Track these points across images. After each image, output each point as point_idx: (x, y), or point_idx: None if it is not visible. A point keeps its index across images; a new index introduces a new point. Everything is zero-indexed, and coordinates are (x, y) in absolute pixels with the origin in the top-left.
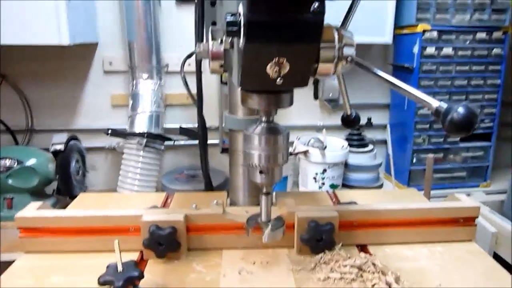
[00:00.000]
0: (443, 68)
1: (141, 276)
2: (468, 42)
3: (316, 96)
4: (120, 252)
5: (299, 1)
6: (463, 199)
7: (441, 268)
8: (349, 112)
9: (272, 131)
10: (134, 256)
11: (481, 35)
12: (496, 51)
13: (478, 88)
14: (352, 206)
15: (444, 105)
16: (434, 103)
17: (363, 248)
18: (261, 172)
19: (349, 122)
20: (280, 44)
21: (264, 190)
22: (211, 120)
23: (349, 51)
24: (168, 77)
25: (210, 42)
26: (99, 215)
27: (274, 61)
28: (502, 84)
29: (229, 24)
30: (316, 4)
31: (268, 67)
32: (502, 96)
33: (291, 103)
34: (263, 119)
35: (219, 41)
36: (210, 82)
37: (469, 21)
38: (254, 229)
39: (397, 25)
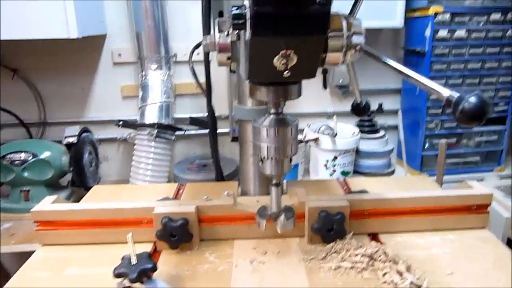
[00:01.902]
0: (456, 51)
1: (154, 268)
2: (481, 24)
3: (325, 86)
4: (133, 245)
5: None
6: (475, 186)
7: (453, 257)
8: (358, 100)
9: (281, 122)
10: (148, 247)
11: (495, 16)
12: (510, 32)
13: (492, 71)
14: (362, 195)
15: (456, 94)
16: (445, 92)
17: (374, 236)
18: (269, 163)
19: (359, 111)
20: (287, 37)
21: (274, 181)
22: (221, 109)
23: (358, 40)
24: (177, 66)
25: (217, 34)
26: (112, 208)
27: (281, 53)
28: None
29: (235, 17)
30: None
31: (275, 59)
32: None
33: (299, 95)
34: (272, 110)
35: (226, 33)
36: (219, 70)
37: (483, 2)
38: (266, 220)
39: (408, 8)
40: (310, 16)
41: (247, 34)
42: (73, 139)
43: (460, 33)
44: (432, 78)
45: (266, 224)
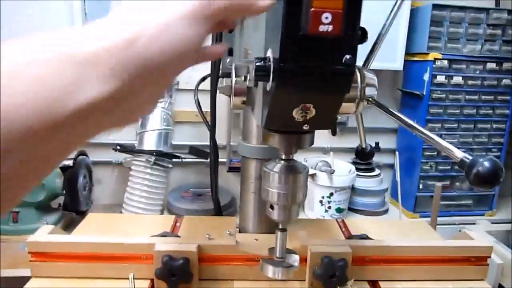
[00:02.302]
0: (452, 96)
1: None
2: (478, 72)
3: (334, 133)
4: (134, 284)
5: (332, 52)
6: (476, 237)
7: None
8: (364, 146)
9: (292, 169)
10: (145, 284)
11: (491, 65)
12: (505, 81)
13: (486, 117)
14: (365, 242)
15: (469, 157)
16: (459, 154)
17: (374, 284)
18: (279, 209)
19: (364, 155)
20: (309, 93)
21: (281, 227)
22: (219, 138)
23: (370, 92)
24: (178, 93)
25: (234, 78)
26: (111, 242)
27: (301, 106)
28: (511, 114)
29: (258, 69)
30: (348, 57)
31: (295, 111)
32: (510, 126)
33: (311, 143)
34: (283, 157)
35: (243, 78)
36: (220, 99)
37: (480, 51)
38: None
39: (408, 52)
40: (334, 76)
41: (269, 85)
42: (69, 162)
43: (457, 79)
44: (428, 121)
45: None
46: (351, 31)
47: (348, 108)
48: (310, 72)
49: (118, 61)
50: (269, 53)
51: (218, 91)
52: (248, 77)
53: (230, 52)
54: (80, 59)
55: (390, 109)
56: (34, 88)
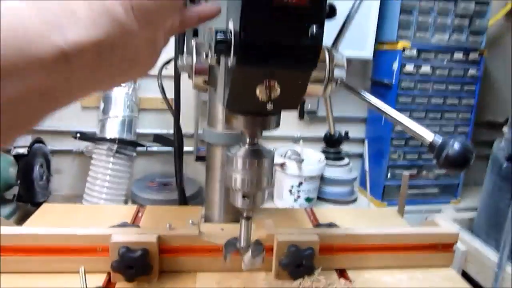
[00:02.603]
0: (421, 86)
1: None
2: (445, 62)
3: (302, 116)
4: (85, 279)
5: (297, 24)
6: (442, 225)
7: None
8: (332, 132)
9: (257, 154)
10: (101, 278)
11: (458, 55)
12: (471, 72)
13: (453, 107)
14: (332, 230)
15: (439, 139)
16: (429, 136)
17: (342, 273)
18: (243, 196)
19: (332, 142)
20: (274, 68)
21: (245, 215)
22: (186, 127)
23: (339, 73)
24: (142, 80)
25: (194, 56)
26: (64, 234)
27: (265, 84)
28: (476, 104)
29: (218, 42)
30: (315, 28)
31: (258, 90)
32: (475, 116)
33: (277, 125)
34: (247, 140)
35: (204, 55)
36: (187, 87)
37: (448, 41)
38: (232, 253)
39: (378, 41)
40: (301, 49)
41: (230, 61)
42: (23, 150)
43: (426, 68)
44: (398, 110)
45: (232, 256)
46: (318, 2)
47: (316, 90)
48: (275, 45)
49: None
50: (230, 25)
51: (178, 69)
52: (210, 54)
53: (196, 33)
54: None
55: (360, 91)
56: (13, 24)
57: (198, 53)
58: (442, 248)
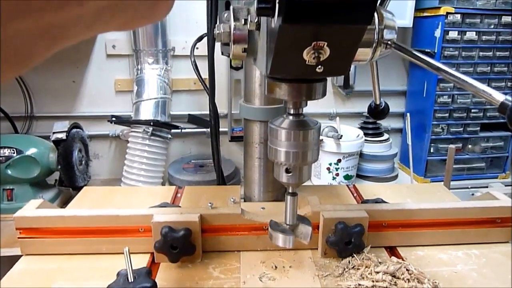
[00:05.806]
0: (465, 53)
1: (154, 287)
2: (492, 26)
3: (347, 85)
4: (130, 259)
5: None
6: (501, 198)
7: (480, 274)
8: (378, 102)
9: (302, 125)
10: (144, 258)
11: (507, 19)
12: None
13: (500, 75)
14: (381, 205)
15: (510, 99)
16: (499, 96)
17: (392, 250)
18: (288, 171)
19: (378, 113)
20: (324, 26)
21: (291, 190)
22: (219, 106)
23: (390, 35)
24: (174, 61)
25: (232, 22)
26: (106, 215)
27: (313, 45)
28: None
29: (261, 1)
30: None
31: (305, 52)
32: None
33: (324, 94)
34: (291, 111)
35: (243, 21)
36: (219, 66)
37: (495, 4)
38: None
39: (418, 7)
40: (354, 3)
41: (275, 21)
42: (62, 135)
43: (471, 34)
44: (440, 80)
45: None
46: None
47: (364, 54)
48: (324, 1)
49: None
50: None
51: (215, 40)
52: (249, 19)
53: (228, 5)
54: None
55: (414, 52)
56: None
57: (236, 19)
58: (500, 222)
